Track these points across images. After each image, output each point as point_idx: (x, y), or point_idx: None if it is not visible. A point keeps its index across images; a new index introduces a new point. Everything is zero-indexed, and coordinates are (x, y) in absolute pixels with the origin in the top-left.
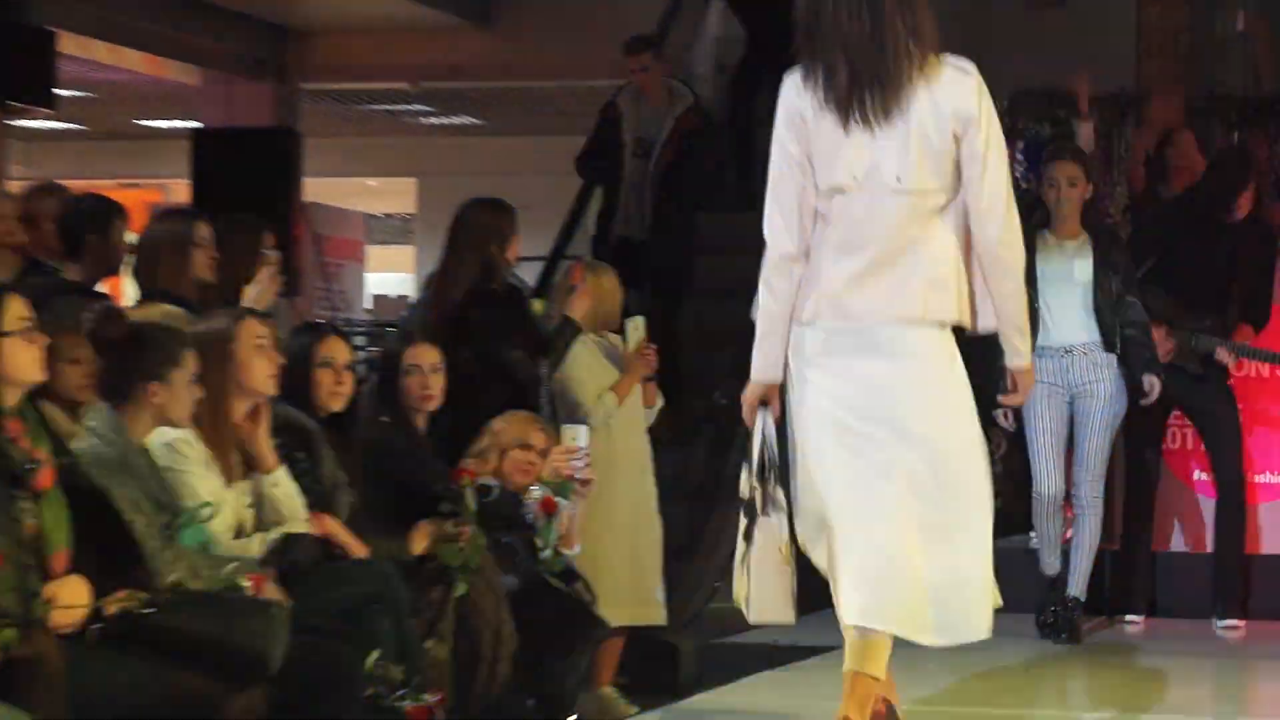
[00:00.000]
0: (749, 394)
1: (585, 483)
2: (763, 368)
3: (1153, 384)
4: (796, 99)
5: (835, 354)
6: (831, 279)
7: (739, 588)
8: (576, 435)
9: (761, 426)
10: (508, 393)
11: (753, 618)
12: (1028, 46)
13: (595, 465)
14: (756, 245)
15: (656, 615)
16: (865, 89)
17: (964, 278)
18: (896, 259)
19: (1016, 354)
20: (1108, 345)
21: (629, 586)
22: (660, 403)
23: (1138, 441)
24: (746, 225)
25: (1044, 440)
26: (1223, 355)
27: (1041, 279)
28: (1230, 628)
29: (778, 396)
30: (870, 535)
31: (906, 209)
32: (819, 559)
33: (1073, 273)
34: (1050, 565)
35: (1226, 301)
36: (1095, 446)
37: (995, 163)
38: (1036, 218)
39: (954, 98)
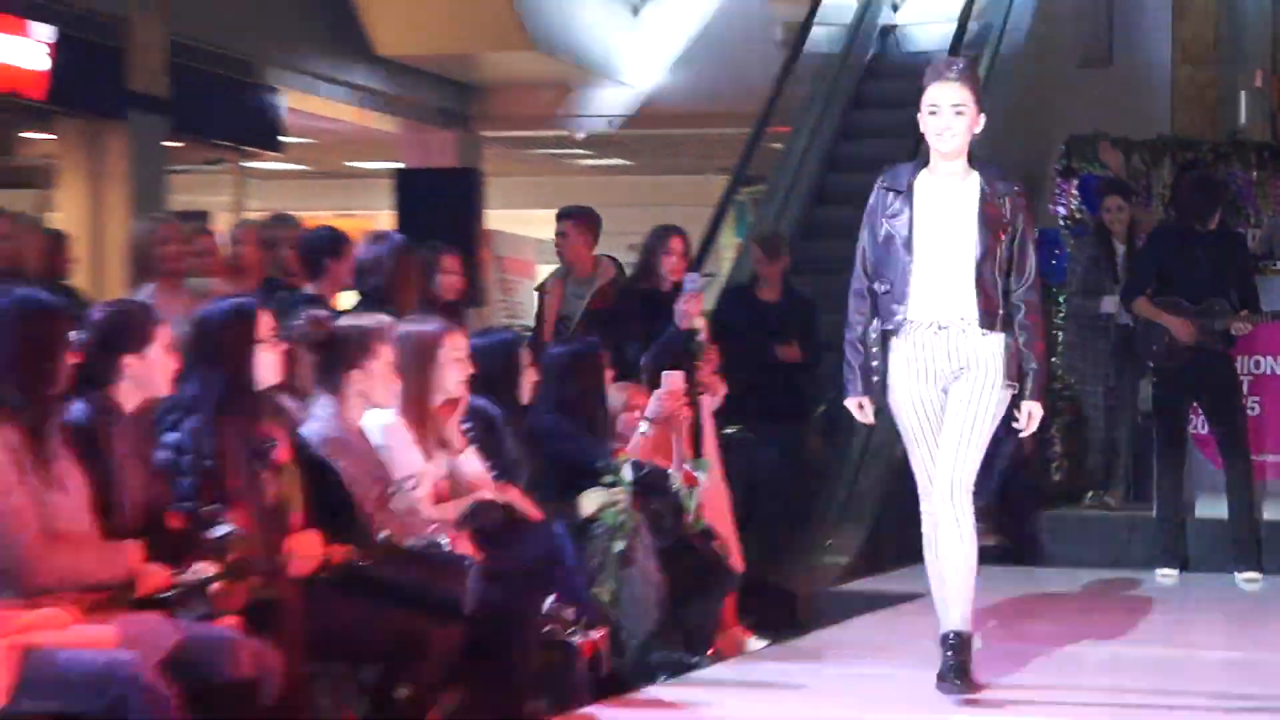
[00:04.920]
0: None
1: (681, 418)
2: None
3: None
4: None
5: None
6: None
7: None
8: (675, 379)
9: None
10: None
11: None
12: (1080, 99)
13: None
14: None
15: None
16: None
17: None
18: None
19: None
20: None
21: None
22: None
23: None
24: None
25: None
26: (1239, 326)
27: None
28: (1248, 580)
29: None
30: None
31: None
32: None
33: None
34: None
35: (1223, 293)
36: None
37: None
38: None
39: None
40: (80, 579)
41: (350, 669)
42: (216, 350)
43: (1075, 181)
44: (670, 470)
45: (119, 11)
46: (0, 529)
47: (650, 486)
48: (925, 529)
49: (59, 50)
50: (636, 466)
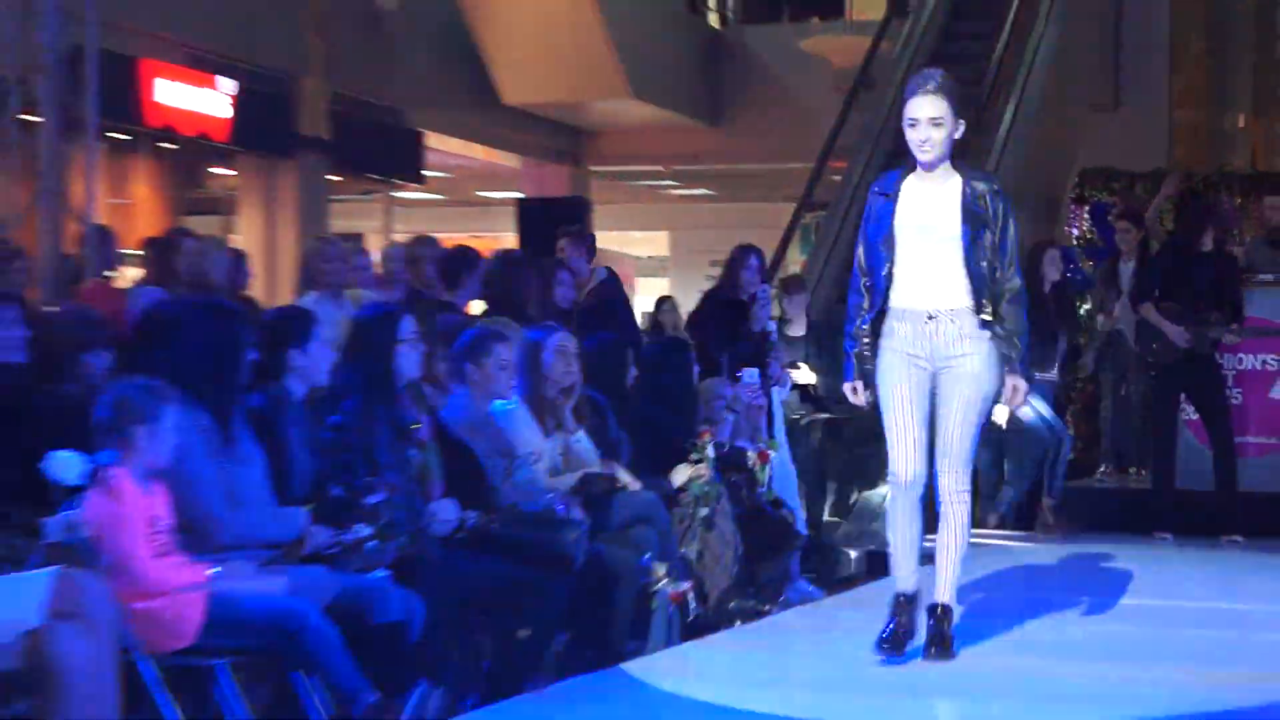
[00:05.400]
0: None
1: (760, 408)
2: None
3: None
4: None
5: None
6: None
7: None
8: (751, 375)
9: None
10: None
11: None
12: (1091, 138)
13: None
14: None
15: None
16: None
17: None
18: None
19: None
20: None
21: None
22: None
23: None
24: None
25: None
26: (1230, 338)
27: None
28: (1231, 541)
29: None
30: None
31: None
32: None
33: None
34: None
35: (1218, 305)
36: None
37: None
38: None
39: None
40: (258, 539)
41: (480, 614)
42: (368, 348)
43: (1087, 207)
44: (747, 449)
45: (290, 68)
46: (191, 496)
47: (730, 462)
48: (888, 504)
49: (240, 100)
50: (719, 445)
